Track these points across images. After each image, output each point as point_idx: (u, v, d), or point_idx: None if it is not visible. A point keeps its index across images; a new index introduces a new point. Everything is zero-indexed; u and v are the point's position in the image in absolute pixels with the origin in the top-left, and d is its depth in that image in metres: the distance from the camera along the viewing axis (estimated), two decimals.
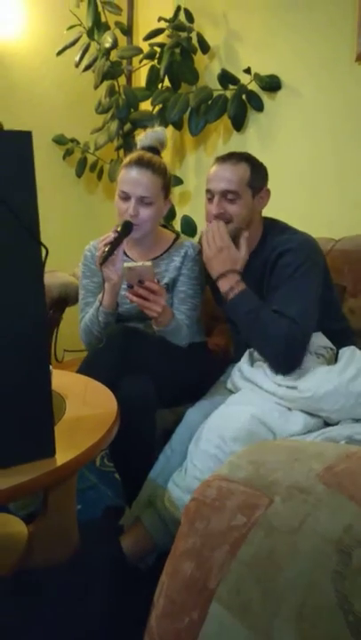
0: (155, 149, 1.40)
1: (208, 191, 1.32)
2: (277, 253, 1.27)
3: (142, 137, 1.42)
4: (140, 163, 1.33)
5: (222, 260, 1.28)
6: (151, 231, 1.40)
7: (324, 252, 1.59)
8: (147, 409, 1.23)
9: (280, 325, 1.18)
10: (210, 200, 1.32)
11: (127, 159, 1.36)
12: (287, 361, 1.19)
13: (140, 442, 1.23)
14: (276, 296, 1.25)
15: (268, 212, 1.44)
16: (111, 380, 1.17)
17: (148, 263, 1.22)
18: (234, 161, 1.29)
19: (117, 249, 1.27)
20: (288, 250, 1.25)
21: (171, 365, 1.30)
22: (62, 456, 0.80)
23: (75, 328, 1.49)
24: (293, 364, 1.20)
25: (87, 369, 1.24)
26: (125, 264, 1.21)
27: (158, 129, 1.42)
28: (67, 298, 1.88)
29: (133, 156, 1.35)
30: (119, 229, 1.29)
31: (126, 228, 1.30)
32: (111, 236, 1.27)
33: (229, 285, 1.26)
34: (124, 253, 1.47)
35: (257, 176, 1.30)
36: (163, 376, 1.26)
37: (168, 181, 1.39)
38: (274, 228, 1.36)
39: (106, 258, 1.24)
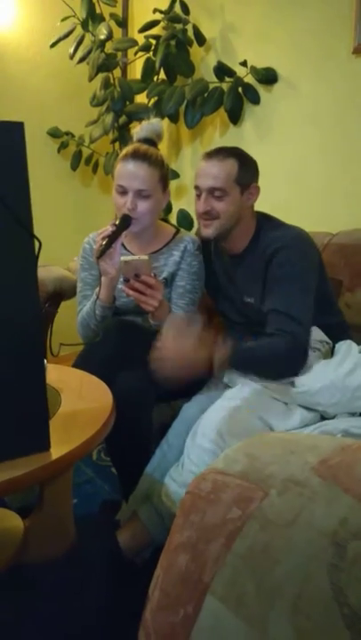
0: (151, 141, 1.38)
1: (196, 187, 1.31)
2: (272, 250, 1.26)
3: (138, 129, 1.40)
4: (136, 155, 1.31)
5: (193, 368, 1.17)
6: (150, 225, 1.39)
7: (320, 246, 1.60)
8: (144, 403, 1.23)
9: (277, 347, 1.18)
10: (198, 196, 1.31)
11: (123, 152, 1.35)
12: (296, 368, 1.20)
13: (136, 436, 1.23)
14: (275, 295, 1.24)
15: (264, 204, 1.43)
16: (107, 374, 1.16)
17: (145, 257, 1.21)
18: (221, 157, 1.27)
19: (115, 243, 1.25)
20: (283, 247, 1.24)
21: None
22: (57, 450, 0.80)
23: (71, 322, 1.48)
24: (301, 366, 1.21)
25: (83, 363, 1.24)
26: (122, 257, 1.20)
27: (154, 120, 1.40)
28: (61, 292, 1.87)
29: (129, 148, 1.34)
30: (117, 223, 1.28)
31: (124, 222, 1.29)
32: (109, 229, 1.26)
33: (219, 363, 1.20)
34: (124, 247, 1.46)
35: (245, 172, 1.28)
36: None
37: (166, 173, 1.37)
38: (267, 223, 1.35)
39: (103, 251, 1.23)
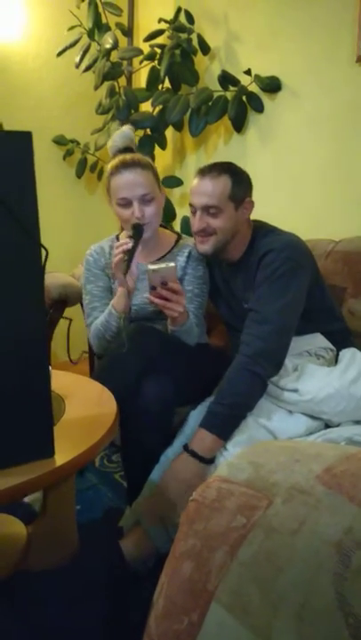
0: (129, 149, 1.40)
1: (191, 205, 1.32)
2: (261, 255, 1.27)
3: (112, 143, 1.40)
4: (126, 165, 1.32)
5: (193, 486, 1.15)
6: (156, 231, 1.41)
7: (323, 254, 1.60)
8: (166, 412, 1.23)
9: (240, 378, 1.15)
10: (193, 213, 1.32)
11: (111, 167, 1.35)
12: (268, 372, 1.17)
13: (153, 445, 1.23)
14: (255, 296, 1.25)
15: (267, 212, 1.44)
16: (134, 384, 1.17)
17: (172, 264, 1.20)
18: (215, 174, 1.28)
19: (134, 254, 1.26)
20: (270, 251, 1.25)
21: (183, 364, 1.30)
22: (61, 457, 0.80)
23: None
24: (275, 365, 1.18)
25: (108, 374, 1.22)
26: (150, 266, 1.19)
27: (124, 128, 1.41)
28: (66, 299, 1.88)
29: (116, 162, 1.34)
30: (132, 235, 1.28)
31: (138, 231, 1.30)
32: (129, 242, 1.26)
33: (207, 451, 1.13)
34: None
35: (238, 189, 1.29)
36: (180, 375, 1.26)
37: (157, 172, 1.39)
38: (261, 231, 1.36)
39: (128, 266, 1.23)
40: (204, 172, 1.30)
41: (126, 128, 1.42)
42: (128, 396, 1.14)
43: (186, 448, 1.13)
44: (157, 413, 1.18)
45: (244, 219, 1.34)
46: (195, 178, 1.32)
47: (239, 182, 1.30)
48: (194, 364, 1.33)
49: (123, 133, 1.40)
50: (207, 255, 1.37)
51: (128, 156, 1.35)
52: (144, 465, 1.24)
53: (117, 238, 1.51)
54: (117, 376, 1.18)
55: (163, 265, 1.20)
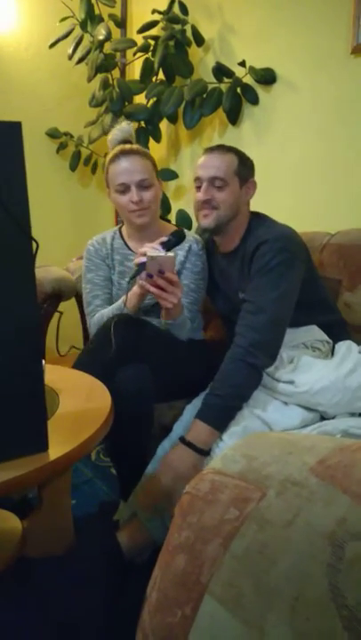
0: (128, 142, 1.42)
1: (197, 179, 1.33)
2: (255, 246, 1.27)
3: (111, 137, 1.43)
4: (125, 152, 1.35)
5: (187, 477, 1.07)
6: (155, 218, 1.41)
7: (319, 246, 1.60)
8: (143, 398, 1.22)
9: (237, 370, 1.15)
10: (198, 188, 1.33)
11: (110, 156, 1.38)
12: (264, 362, 1.17)
13: (137, 434, 1.23)
14: (249, 288, 1.25)
15: (263, 204, 1.44)
16: (109, 372, 1.17)
17: (171, 254, 1.19)
18: (222, 151, 1.32)
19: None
20: (264, 242, 1.25)
21: (170, 358, 1.30)
22: (55, 451, 0.80)
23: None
24: (270, 354, 1.18)
25: (87, 361, 1.23)
26: (148, 253, 1.18)
27: (124, 124, 1.44)
28: (60, 292, 1.86)
29: (115, 150, 1.37)
30: (167, 240, 1.25)
31: (178, 239, 1.27)
32: (158, 247, 1.24)
33: (203, 443, 1.12)
34: (127, 246, 1.47)
35: (244, 167, 1.33)
36: (162, 368, 1.26)
37: (155, 163, 1.42)
38: (257, 221, 1.37)
39: (140, 271, 1.20)
40: (212, 149, 1.34)
41: (125, 123, 1.45)
42: (105, 384, 1.13)
43: (183, 440, 1.13)
44: (132, 398, 1.17)
45: (247, 199, 1.36)
46: (202, 156, 1.35)
47: (245, 162, 1.34)
48: (186, 359, 1.32)
49: (122, 128, 1.42)
50: (209, 229, 1.35)
51: (127, 146, 1.38)
52: (129, 454, 1.24)
53: (120, 231, 1.51)
54: (93, 365, 1.18)
55: (162, 253, 1.19)
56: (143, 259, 1.20)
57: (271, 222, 1.36)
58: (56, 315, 1.95)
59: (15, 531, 1.06)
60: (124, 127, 1.43)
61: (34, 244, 0.72)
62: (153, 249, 1.22)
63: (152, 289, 1.20)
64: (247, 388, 1.16)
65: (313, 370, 1.18)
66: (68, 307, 2.00)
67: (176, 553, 0.47)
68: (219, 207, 1.30)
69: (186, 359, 1.34)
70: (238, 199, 1.32)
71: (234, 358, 1.15)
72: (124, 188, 1.35)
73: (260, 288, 1.21)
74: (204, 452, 1.11)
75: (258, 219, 1.38)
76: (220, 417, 1.13)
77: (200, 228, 1.39)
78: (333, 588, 0.38)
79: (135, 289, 1.30)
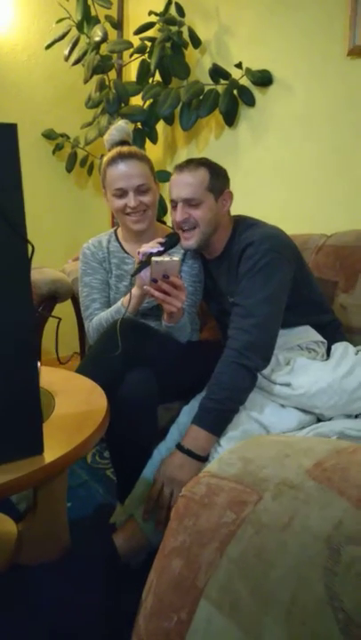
0: (126, 142, 1.41)
1: (171, 200, 1.33)
2: (242, 248, 1.27)
3: (108, 136, 1.41)
4: (123, 156, 1.34)
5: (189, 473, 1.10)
6: (152, 222, 1.41)
7: (315, 248, 1.60)
8: (150, 404, 1.22)
9: (227, 362, 1.15)
10: (174, 208, 1.33)
11: (107, 159, 1.36)
12: (257, 364, 1.16)
13: (139, 437, 1.22)
14: (238, 290, 1.25)
15: (258, 206, 1.44)
16: (117, 375, 1.17)
17: (176, 258, 1.19)
18: (192, 167, 1.30)
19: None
20: (250, 244, 1.25)
21: (171, 360, 1.30)
22: (51, 454, 0.79)
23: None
24: (263, 355, 1.18)
25: (93, 366, 1.22)
26: (153, 258, 1.18)
27: (121, 122, 1.43)
28: (56, 294, 1.86)
29: (112, 153, 1.36)
30: (164, 242, 1.27)
31: (173, 241, 1.29)
32: (156, 247, 1.25)
33: (200, 449, 1.12)
34: (123, 250, 1.46)
35: (216, 180, 1.31)
36: (164, 370, 1.25)
37: (152, 165, 1.41)
38: (242, 224, 1.37)
39: (139, 270, 1.21)
40: (182, 167, 1.32)
41: (123, 122, 1.43)
42: (111, 388, 1.13)
43: (180, 447, 1.12)
44: (140, 402, 1.17)
45: (225, 210, 1.35)
46: (173, 174, 1.34)
47: (217, 174, 1.31)
48: (183, 361, 1.32)
49: (119, 127, 1.41)
50: (191, 250, 1.37)
51: (125, 148, 1.36)
52: (131, 458, 1.23)
53: (115, 233, 1.50)
54: (101, 369, 1.17)
55: (167, 258, 1.19)
56: (149, 250, 1.21)
57: (257, 224, 1.36)
58: (54, 321, 1.95)
59: (10, 534, 1.05)
60: (122, 126, 1.41)
61: (29, 247, 0.72)
62: (151, 249, 1.23)
63: (156, 293, 1.20)
64: (242, 390, 1.15)
65: (310, 372, 1.18)
66: (66, 313, 2.00)
67: (172, 557, 0.47)
68: (198, 225, 1.30)
69: (185, 361, 1.33)
70: (216, 213, 1.31)
71: (227, 361, 1.15)
72: (122, 193, 1.34)
73: (249, 290, 1.21)
74: (203, 459, 1.11)
75: (243, 222, 1.37)
76: (216, 421, 1.12)
77: (183, 248, 1.38)
78: (330, 591, 0.38)
79: (135, 291, 1.29)
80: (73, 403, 1.01)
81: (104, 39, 2.13)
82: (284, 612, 0.39)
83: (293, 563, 0.40)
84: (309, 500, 0.44)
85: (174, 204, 1.32)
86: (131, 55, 2.24)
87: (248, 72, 1.95)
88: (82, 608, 0.96)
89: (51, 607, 0.95)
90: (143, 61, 2.21)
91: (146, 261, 1.21)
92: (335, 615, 0.37)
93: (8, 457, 0.77)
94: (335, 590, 0.38)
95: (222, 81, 2.04)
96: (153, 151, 2.45)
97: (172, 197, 1.32)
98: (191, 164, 1.31)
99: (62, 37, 2.19)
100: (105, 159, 1.38)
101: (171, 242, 1.28)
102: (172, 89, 2.11)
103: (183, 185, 1.29)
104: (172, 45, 2.11)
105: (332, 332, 1.36)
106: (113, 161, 1.34)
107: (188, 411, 1.27)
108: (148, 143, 2.28)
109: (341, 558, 0.39)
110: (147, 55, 2.19)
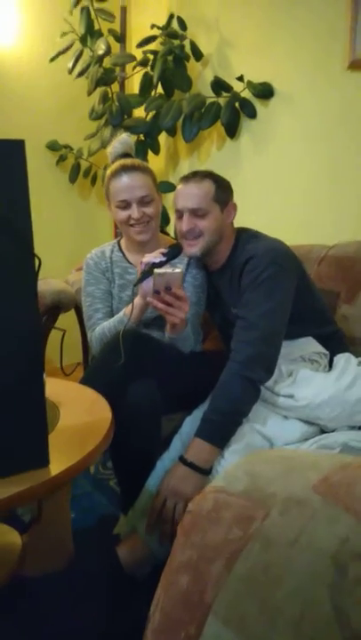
0: (128, 155, 1.43)
1: (177, 210, 1.34)
2: (244, 261, 1.28)
3: (112, 149, 1.43)
4: (126, 168, 1.36)
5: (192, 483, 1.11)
6: (156, 233, 1.42)
7: (317, 259, 1.61)
8: (153, 414, 1.22)
9: (232, 384, 1.15)
10: (179, 218, 1.34)
11: (110, 172, 1.38)
12: (261, 376, 1.16)
13: (143, 448, 1.22)
14: (241, 303, 1.25)
15: (259, 217, 1.45)
16: (121, 386, 1.17)
17: (178, 270, 1.20)
18: (198, 179, 1.32)
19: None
20: (252, 256, 1.26)
21: (175, 371, 1.30)
22: (56, 466, 0.79)
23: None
24: (266, 368, 1.18)
25: (96, 377, 1.22)
26: (156, 270, 1.19)
27: (124, 135, 1.45)
28: (60, 305, 1.87)
29: (115, 166, 1.38)
30: (167, 252, 1.27)
31: (175, 252, 1.29)
32: (158, 257, 1.26)
33: (203, 462, 1.12)
34: (126, 259, 1.47)
35: (222, 192, 1.33)
36: (167, 381, 1.26)
37: (155, 177, 1.42)
38: (244, 236, 1.38)
39: (141, 280, 1.22)
40: (187, 177, 1.34)
41: (125, 135, 1.45)
42: (115, 399, 1.13)
43: (183, 460, 1.12)
44: (144, 414, 1.17)
45: (229, 221, 1.37)
46: (179, 185, 1.35)
47: (222, 186, 1.33)
48: (186, 371, 1.32)
49: (122, 140, 1.43)
50: (195, 257, 1.38)
51: (128, 161, 1.38)
52: (135, 469, 1.23)
53: (118, 244, 1.51)
54: (104, 380, 1.18)
55: (169, 270, 1.19)
56: (151, 260, 1.22)
57: (260, 236, 1.37)
58: (59, 333, 1.95)
59: (15, 545, 1.05)
60: (124, 139, 1.44)
61: (36, 261, 0.73)
62: (154, 259, 1.24)
63: (160, 305, 1.20)
64: (245, 402, 1.15)
65: (312, 383, 1.18)
66: (70, 324, 2.00)
67: (179, 572, 0.47)
68: (203, 234, 1.31)
69: (188, 371, 1.34)
70: (221, 224, 1.33)
71: (231, 373, 1.16)
72: (126, 205, 1.36)
73: (251, 303, 1.22)
74: (206, 472, 1.11)
75: (246, 234, 1.38)
76: (219, 434, 1.12)
77: (186, 256, 1.39)
78: (337, 608, 0.38)
79: (137, 301, 1.30)
80: (78, 414, 1.02)
81: (107, 52, 2.16)
82: (292, 628, 0.39)
83: (301, 579, 0.41)
84: (316, 516, 0.44)
85: (180, 214, 1.33)
86: (133, 68, 2.27)
87: (249, 85, 1.97)
88: (85, 620, 0.96)
89: (55, 618, 0.95)
90: (146, 74, 2.24)
91: (148, 271, 1.22)
92: (342, 632, 0.37)
93: (14, 469, 0.77)
94: (342, 607, 0.38)
95: (224, 93, 2.06)
96: (155, 162, 2.47)
97: (178, 207, 1.33)
98: (197, 175, 1.32)
99: (66, 50, 2.22)
100: (108, 172, 1.40)
101: (173, 252, 1.29)
102: (175, 101, 2.13)
103: (190, 195, 1.30)
104: (174, 58, 2.14)
105: (336, 343, 1.36)
106: (116, 173, 1.36)
107: (191, 421, 1.27)
108: (150, 155, 2.30)
109: (348, 575, 0.39)
110: (149, 68, 2.22)
